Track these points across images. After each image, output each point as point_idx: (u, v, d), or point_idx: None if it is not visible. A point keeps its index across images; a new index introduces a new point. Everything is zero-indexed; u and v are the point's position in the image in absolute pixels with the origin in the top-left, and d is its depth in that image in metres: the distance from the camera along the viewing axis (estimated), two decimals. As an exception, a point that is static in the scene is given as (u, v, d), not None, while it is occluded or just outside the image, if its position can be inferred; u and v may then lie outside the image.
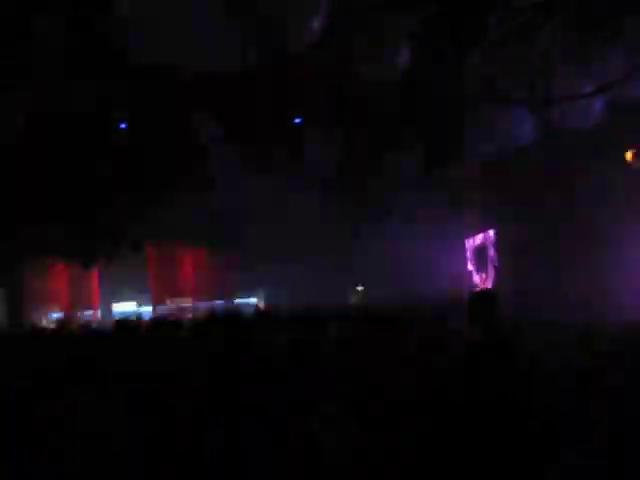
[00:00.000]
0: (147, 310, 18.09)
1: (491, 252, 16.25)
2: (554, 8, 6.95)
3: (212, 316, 5.55)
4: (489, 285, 15.99)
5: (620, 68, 7.47)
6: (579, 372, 4.29)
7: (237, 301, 18.33)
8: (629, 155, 13.31)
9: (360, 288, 17.98)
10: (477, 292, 6.39)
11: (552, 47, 7.65)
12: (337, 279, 16.15)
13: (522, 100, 8.34)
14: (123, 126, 10.21)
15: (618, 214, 12.37)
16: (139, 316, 13.42)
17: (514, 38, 7.48)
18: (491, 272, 16.29)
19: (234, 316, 5.14)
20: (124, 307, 18.63)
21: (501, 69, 7.99)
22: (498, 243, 15.82)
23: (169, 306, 18.62)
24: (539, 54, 7.77)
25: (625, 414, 3.62)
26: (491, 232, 16.08)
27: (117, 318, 12.28)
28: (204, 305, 17.84)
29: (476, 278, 17.04)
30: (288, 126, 10.46)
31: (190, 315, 16.17)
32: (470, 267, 17.54)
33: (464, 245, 17.76)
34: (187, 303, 18.85)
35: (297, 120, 10.48)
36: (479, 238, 16.84)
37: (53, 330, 8.92)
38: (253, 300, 18.74)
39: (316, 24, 5.98)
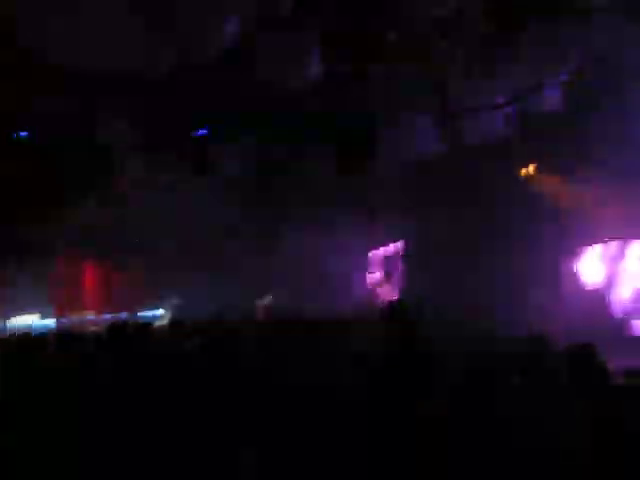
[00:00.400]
0: (47, 323, 17.47)
1: (398, 262, 16.39)
2: (453, 25, 7.04)
3: (114, 328, 5.40)
4: (395, 295, 16.10)
5: (524, 83, 7.65)
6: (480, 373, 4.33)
7: (143, 314, 17.92)
8: (531, 168, 13.72)
9: (267, 298, 17.82)
10: (390, 303, 6.24)
11: (453, 62, 7.78)
12: (244, 290, 15.95)
13: (427, 112, 8.46)
14: (24, 134, 9.84)
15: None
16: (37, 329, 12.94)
17: (416, 53, 7.58)
18: (397, 282, 16.43)
19: (142, 327, 5.07)
20: (25, 320, 17.93)
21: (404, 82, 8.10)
22: (405, 253, 15.98)
23: (72, 319, 18.04)
24: (440, 68, 7.90)
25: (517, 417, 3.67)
26: (398, 243, 16.22)
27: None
28: (108, 318, 17.36)
29: (382, 289, 17.14)
30: (193, 138, 10.31)
31: (94, 328, 15.70)
32: (377, 278, 17.64)
33: (370, 256, 17.85)
34: (90, 316, 18.31)
35: (202, 131, 10.32)
36: (387, 249, 16.95)
37: None
38: (159, 312, 18.34)
39: (223, 36, 5.90)
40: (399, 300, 6.28)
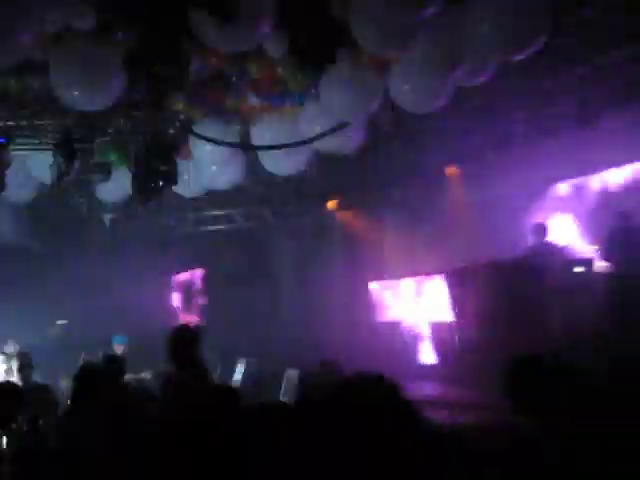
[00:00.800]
0: None
1: (198, 288, 16.28)
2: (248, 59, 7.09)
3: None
4: (195, 321, 15.95)
5: (325, 122, 7.81)
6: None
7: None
8: (331, 203, 14.13)
9: (60, 323, 17.05)
10: (176, 329, 5.84)
11: (250, 95, 7.84)
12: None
13: (228, 143, 8.44)
14: None
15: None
16: None
17: (215, 83, 7.57)
18: (197, 308, 16.31)
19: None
20: None
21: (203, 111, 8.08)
22: (206, 279, 15.90)
23: None
24: (238, 100, 7.95)
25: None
26: (199, 269, 16.12)
27: None
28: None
29: (184, 315, 16.94)
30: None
31: None
32: (178, 303, 17.42)
33: (172, 280, 17.60)
34: None
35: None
36: (188, 274, 16.80)
37: None
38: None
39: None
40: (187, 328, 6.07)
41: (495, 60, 6.51)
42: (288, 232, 13.46)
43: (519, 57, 6.13)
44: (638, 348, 8.24)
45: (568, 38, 7.25)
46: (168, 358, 5.51)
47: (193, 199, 10.77)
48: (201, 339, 5.69)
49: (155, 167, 8.32)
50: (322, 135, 7.87)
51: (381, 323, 13.22)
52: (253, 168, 9.35)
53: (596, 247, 11.46)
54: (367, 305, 13.63)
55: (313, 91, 7.56)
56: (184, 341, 5.54)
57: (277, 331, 12.98)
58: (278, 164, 8.90)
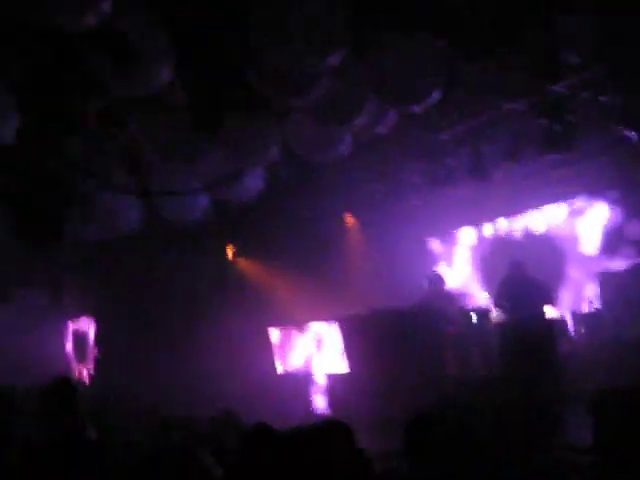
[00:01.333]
0: None
1: (91, 339, 15.77)
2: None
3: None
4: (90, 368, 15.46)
5: (224, 169, 7.75)
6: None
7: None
8: (229, 250, 14.03)
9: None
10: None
11: (147, 140, 7.71)
12: None
13: (125, 188, 8.24)
14: None
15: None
16: None
17: (110, 124, 7.41)
18: (91, 360, 15.77)
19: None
20: None
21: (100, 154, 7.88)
22: (98, 330, 15.42)
23: None
24: (136, 145, 7.80)
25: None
26: (90, 319, 15.64)
27: None
28: None
29: (78, 366, 16.35)
30: None
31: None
32: (71, 354, 16.80)
33: (65, 330, 16.98)
34: None
35: None
36: (79, 324, 16.26)
37: None
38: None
39: None
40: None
41: (393, 111, 6.62)
42: (185, 279, 13.23)
43: (417, 109, 6.25)
44: (519, 387, 8.44)
45: (463, 92, 7.45)
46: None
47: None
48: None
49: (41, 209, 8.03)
50: (219, 183, 7.79)
51: (279, 373, 13.10)
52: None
53: (488, 294, 11.76)
54: (265, 354, 13.49)
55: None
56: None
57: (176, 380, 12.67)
58: (175, 211, 8.75)
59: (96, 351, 15.32)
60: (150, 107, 6.80)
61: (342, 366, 11.51)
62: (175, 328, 13.05)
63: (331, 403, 11.68)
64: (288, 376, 12.97)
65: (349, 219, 13.52)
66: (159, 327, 13.10)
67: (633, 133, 8.07)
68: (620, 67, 7.55)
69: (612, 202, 11.14)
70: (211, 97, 6.69)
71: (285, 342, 13.53)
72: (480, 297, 12.41)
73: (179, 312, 13.00)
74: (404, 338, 10.26)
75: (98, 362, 15.13)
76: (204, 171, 7.88)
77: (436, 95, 5.97)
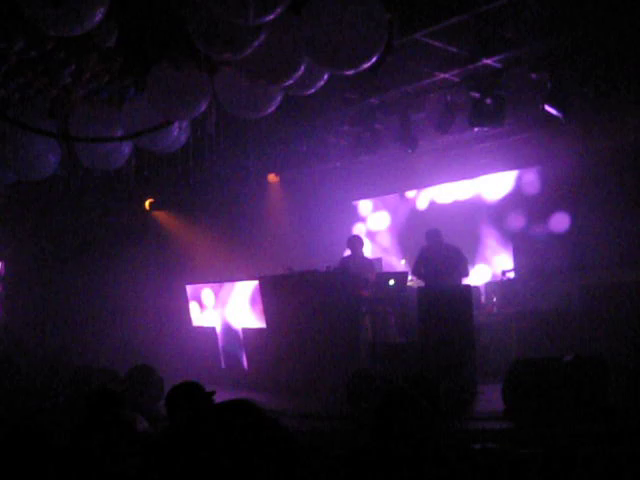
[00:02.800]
0: None
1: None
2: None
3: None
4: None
5: (150, 118, 7.56)
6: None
7: None
8: (147, 203, 13.78)
9: None
10: None
11: (74, 85, 7.47)
12: None
13: (46, 132, 7.96)
14: None
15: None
16: None
17: (33, 69, 7.14)
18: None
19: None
20: None
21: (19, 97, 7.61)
22: (7, 272, 14.98)
23: None
24: (60, 88, 7.55)
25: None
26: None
27: None
28: None
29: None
30: None
31: None
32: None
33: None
34: None
35: None
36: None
37: None
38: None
39: None
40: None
41: (326, 72, 6.55)
42: (102, 230, 12.95)
43: (350, 72, 6.19)
44: (439, 357, 8.62)
45: (398, 58, 7.43)
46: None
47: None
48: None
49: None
50: (144, 132, 7.61)
51: (195, 327, 13.01)
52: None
53: (407, 261, 11.92)
54: (181, 309, 13.37)
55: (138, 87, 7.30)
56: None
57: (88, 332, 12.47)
58: (96, 158, 8.51)
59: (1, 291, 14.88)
60: (79, 48, 6.55)
61: (260, 322, 11.51)
62: (90, 278, 12.80)
63: (247, 357, 11.69)
64: (205, 331, 12.89)
65: (272, 178, 13.44)
66: (74, 276, 12.82)
67: (558, 112, 8.23)
68: (553, 47, 7.69)
69: (534, 175, 11.42)
70: (142, 43, 6.50)
71: (203, 298, 13.42)
72: (399, 263, 12.57)
73: (95, 262, 12.75)
74: (321, 299, 10.32)
75: (4, 303, 14.70)
76: (129, 119, 7.68)
77: (370, 61, 5.92)
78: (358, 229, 13.52)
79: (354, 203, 13.86)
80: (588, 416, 6.30)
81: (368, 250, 12.27)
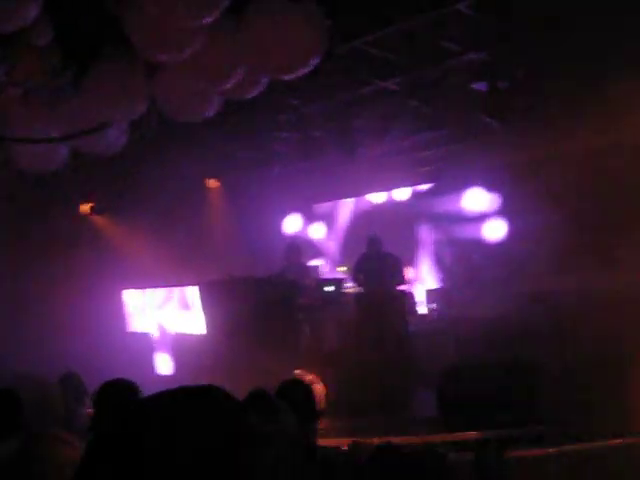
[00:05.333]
0: None
1: None
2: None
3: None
4: None
5: (87, 119, 7.45)
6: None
7: None
8: (84, 206, 13.55)
9: None
10: None
11: (8, 84, 7.31)
12: None
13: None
14: None
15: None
16: None
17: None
18: None
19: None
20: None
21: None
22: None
23: None
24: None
25: None
26: None
27: None
28: None
29: None
30: None
31: None
32: None
33: None
34: None
35: None
36: None
37: None
38: None
39: None
40: None
41: (266, 77, 6.55)
42: (36, 233, 12.68)
43: (289, 77, 6.20)
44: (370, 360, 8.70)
45: (338, 65, 7.47)
46: None
47: None
48: None
49: None
50: (81, 133, 7.49)
51: (130, 333, 12.84)
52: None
53: (345, 268, 11.96)
54: (118, 314, 13.20)
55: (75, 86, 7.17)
56: None
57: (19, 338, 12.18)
58: (32, 160, 8.34)
59: None
60: (14, 46, 6.42)
61: (199, 328, 11.43)
62: (25, 282, 12.52)
63: (185, 363, 11.59)
64: (141, 336, 12.74)
65: (213, 183, 13.35)
66: (6, 279, 12.53)
67: (494, 121, 8.38)
68: (492, 57, 7.83)
69: (473, 185, 11.58)
70: (79, 42, 6.41)
71: (140, 303, 13.27)
72: (338, 270, 12.61)
73: (30, 266, 12.47)
74: (260, 306, 10.30)
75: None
76: (65, 119, 7.55)
77: (311, 67, 5.94)
78: (298, 235, 13.53)
79: (295, 209, 13.87)
80: (519, 420, 6.41)
81: (307, 256, 12.29)
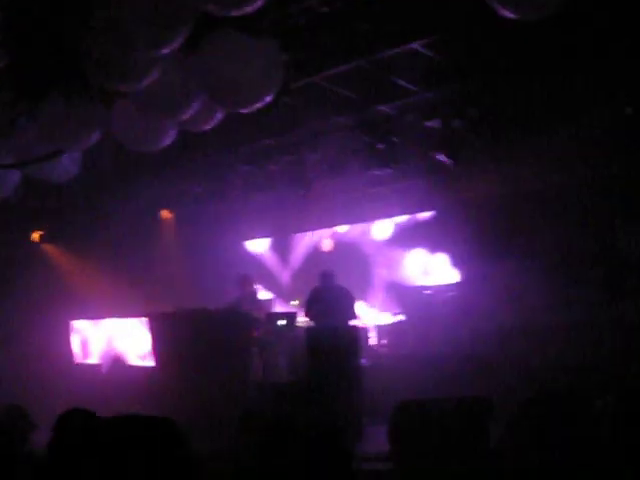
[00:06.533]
0: None
1: None
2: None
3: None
4: None
5: (40, 147, 7.39)
6: None
7: None
8: (35, 234, 13.37)
9: None
10: None
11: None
12: None
13: None
14: None
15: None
16: None
17: None
18: None
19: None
20: None
21: None
22: None
23: None
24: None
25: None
26: None
27: None
28: None
29: None
30: None
31: None
32: None
33: None
34: None
35: None
36: None
37: None
38: None
39: None
40: None
41: (223, 110, 6.57)
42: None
43: (245, 110, 6.23)
44: (325, 396, 8.66)
45: (294, 100, 7.53)
46: None
47: None
48: None
49: None
50: (34, 160, 7.41)
51: (77, 365, 12.62)
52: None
53: (297, 302, 11.95)
54: (64, 345, 12.96)
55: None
56: None
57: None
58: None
59: None
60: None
61: (148, 361, 11.29)
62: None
63: (134, 395, 11.41)
64: (88, 368, 12.53)
65: (166, 214, 13.28)
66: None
67: (448, 159, 8.50)
68: (444, 96, 7.98)
69: (427, 222, 11.70)
70: (35, 69, 6.36)
71: (88, 334, 13.07)
72: (290, 304, 12.59)
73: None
74: (211, 338, 10.22)
75: None
76: (19, 146, 7.47)
77: (266, 101, 5.97)
78: (250, 268, 13.48)
79: (247, 242, 13.84)
80: (471, 457, 6.41)
81: (259, 288, 12.26)
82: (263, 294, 12.61)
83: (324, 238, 13.10)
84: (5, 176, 7.98)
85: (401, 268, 12.11)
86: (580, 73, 7.27)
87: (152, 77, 5.82)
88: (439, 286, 11.08)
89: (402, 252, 12.10)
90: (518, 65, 7.15)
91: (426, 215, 11.73)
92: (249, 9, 4.64)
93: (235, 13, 4.72)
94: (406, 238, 12.05)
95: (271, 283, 13.49)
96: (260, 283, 12.39)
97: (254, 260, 13.83)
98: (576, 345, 8.82)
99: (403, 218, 12.08)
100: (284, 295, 13.08)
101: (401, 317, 11.32)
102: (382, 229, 12.43)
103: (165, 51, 5.29)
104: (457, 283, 10.93)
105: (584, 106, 8.00)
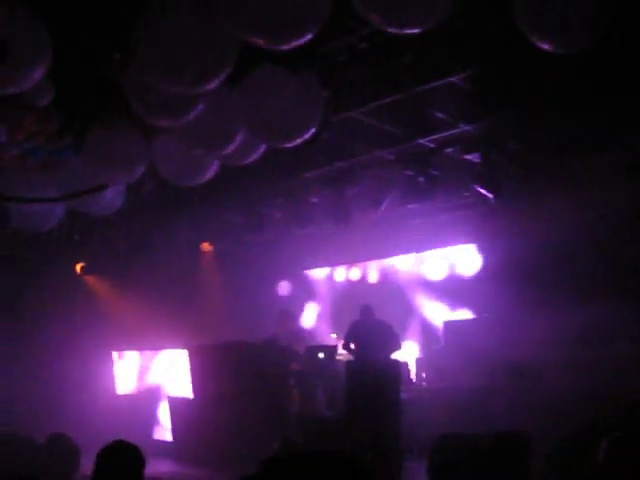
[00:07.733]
0: None
1: None
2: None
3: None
4: None
5: (83, 180, 7.52)
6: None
7: None
8: (79, 266, 13.56)
9: None
10: None
11: (8, 145, 7.38)
12: None
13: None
14: None
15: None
16: None
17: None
18: None
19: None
20: None
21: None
22: None
23: None
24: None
25: None
26: None
27: None
28: None
29: None
30: None
31: None
32: None
33: None
34: None
35: None
36: None
37: None
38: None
39: None
40: None
41: (264, 145, 6.65)
42: (29, 291, 12.67)
43: (286, 145, 6.30)
44: (365, 431, 8.59)
45: (334, 134, 7.58)
46: None
47: None
48: None
49: None
50: (79, 194, 7.55)
51: (120, 395, 12.71)
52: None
53: (335, 335, 11.93)
54: (106, 375, 13.08)
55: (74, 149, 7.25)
56: None
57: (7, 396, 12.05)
58: (28, 219, 8.39)
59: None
60: (13, 107, 6.50)
61: (187, 392, 11.34)
62: (16, 342, 12.45)
63: (174, 427, 11.45)
64: (130, 398, 12.61)
65: (206, 247, 13.39)
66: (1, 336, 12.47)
67: (489, 193, 8.47)
68: (484, 129, 7.98)
69: (466, 255, 11.66)
70: (79, 105, 6.50)
71: (130, 365, 13.17)
72: (329, 338, 12.57)
73: (22, 326, 12.42)
74: (250, 371, 10.25)
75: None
76: (63, 179, 7.61)
77: (307, 136, 6.04)
78: (291, 302, 13.49)
79: (288, 275, 13.87)
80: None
81: (300, 322, 12.28)
82: (303, 328, 12.62)
83: (364, 270, 13.10)
84: (50, 209, 8.14)
85: (440, 300, 12.04)
86: (615, 106, 7.25)
87: (195, 112, 5.93)
88: (479, 318, 11.02)
89: (442, 284, 12.05)
90: (556, 96, 7.13)
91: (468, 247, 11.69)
92: (297, 43, 4.70)
93: (284, 47, 4.78)
94: (447, 271, 12.01)
95: (310, 316, 13.49)
96: (300, 317, 12.40)
97: (292, 292, 13.84)
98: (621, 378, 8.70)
99: (445, 250, 12.04)
100: (323, 329, 13.06)
101: (440, 349, 11.25)
102: (423, 261, 12.40)
103: (210, 86, 5.37)
104: (497, 314, 10.84)
105: (626, 134, 7.98)
